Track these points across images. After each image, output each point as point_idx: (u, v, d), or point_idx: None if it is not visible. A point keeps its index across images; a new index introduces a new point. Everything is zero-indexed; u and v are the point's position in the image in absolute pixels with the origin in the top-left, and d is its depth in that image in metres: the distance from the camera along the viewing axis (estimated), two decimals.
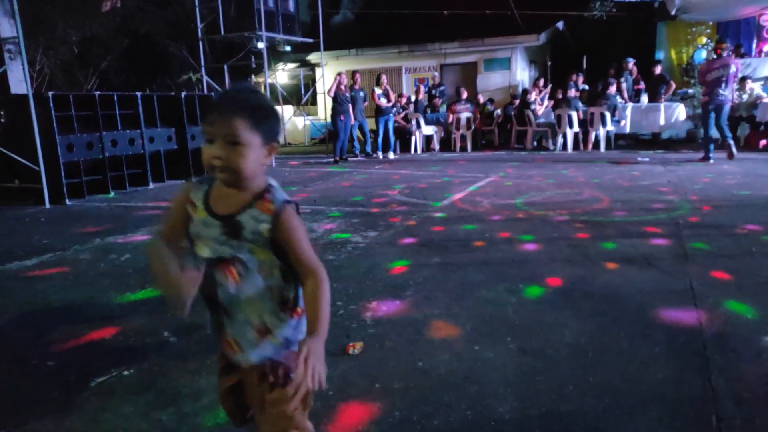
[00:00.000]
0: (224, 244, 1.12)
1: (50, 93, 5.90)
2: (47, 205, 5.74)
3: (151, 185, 7.12)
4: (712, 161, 8.03)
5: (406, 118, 11.70)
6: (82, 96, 6.53)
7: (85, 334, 2.40)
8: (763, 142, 9.74)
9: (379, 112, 10.67)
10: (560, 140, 10.94)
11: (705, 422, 1.60)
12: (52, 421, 1.71)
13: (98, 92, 6.66)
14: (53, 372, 2.06)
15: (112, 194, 6.49)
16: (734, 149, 8.13)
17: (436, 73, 13.00)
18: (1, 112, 6.07)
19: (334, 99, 9.98)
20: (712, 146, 8.10)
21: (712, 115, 7.97)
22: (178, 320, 2.51)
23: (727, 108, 7.99)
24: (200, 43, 10.65)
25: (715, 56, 8.19)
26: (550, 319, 2.40)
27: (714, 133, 8.22)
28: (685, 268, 3.09)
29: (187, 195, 1.17)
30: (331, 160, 10.11)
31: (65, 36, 11.63)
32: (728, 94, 7.86)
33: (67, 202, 5.90)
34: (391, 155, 10.84)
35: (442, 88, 12.43)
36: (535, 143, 11.67)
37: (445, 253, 3.53)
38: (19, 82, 6.55)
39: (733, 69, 7.74)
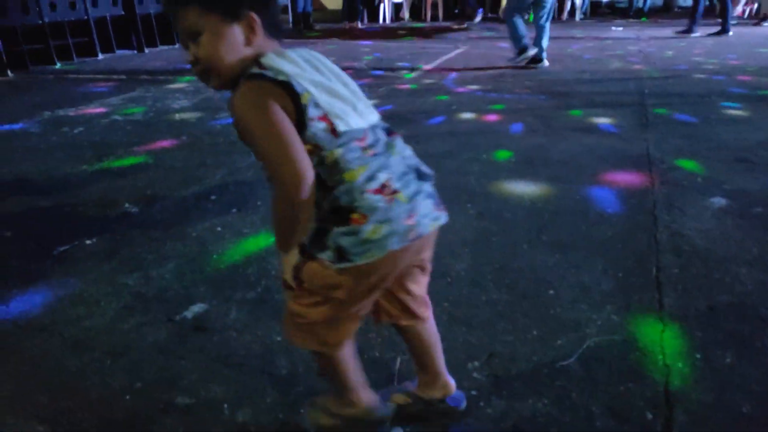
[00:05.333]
0: None
1: None
2: None
3: (100, 56, 6.64)
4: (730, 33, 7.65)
5: None
6: None
7: (42, 206, 2.36)
8: (739, 11, 9.52)
9: None
10: None
11: (645, 272, 1.72)
12: (15, 287, 1.72)
13: None
14: (12, 242, 2.04)
15: (58, 65, 6.05)
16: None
17: None
18: None
19: None
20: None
21: None
22: (139, 191, 2.48)
23: None
24: None
25: None
26: (510, 185, 2.46)
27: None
28: (645, 134, 3.14)
29: None
30: (298, 31, 9.49)
31: None
32: None
33: (9, 73, 5.49)
34: (358, 24, 10.26)
35: None
36: None
37: (412, 124, 3.48)
38: None
39: None
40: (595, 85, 4.59)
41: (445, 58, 6.29)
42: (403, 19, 11.30)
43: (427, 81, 4.94)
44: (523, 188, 2.42)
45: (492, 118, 3.62)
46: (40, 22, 5.87)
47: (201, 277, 1.76)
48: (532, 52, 5.46)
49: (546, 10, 5.34)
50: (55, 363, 1.38)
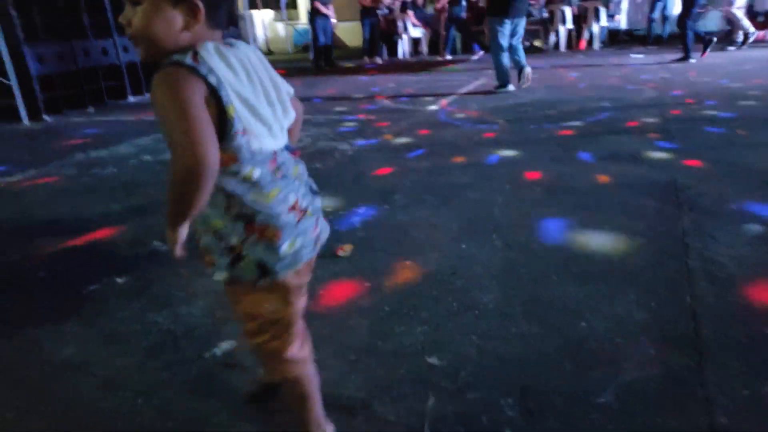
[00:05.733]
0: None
1: None
2: (25, 122, 5.57)
3: (131, 98, 6.89)
4: (692, 60, 7.71)
5: (393, 21, 11.14)
6: (46, 0, 6.10)
7: (73, 246, 2.42)
8: (760, 33, 9.45)
9: (364, 14, 10.14)
10: (552, 38, 10.56)
11: (679, 301, 1.67)
12: (49, 327, 1.75)
13: None
14: (44, 282, 2.09)
15: (90, 109, 6.29)
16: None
17: None
18: None
19: None
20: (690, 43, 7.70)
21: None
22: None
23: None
24: None
25: None
26: (536, 216, 2.44)
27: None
28: (671, 162, 3.10)
29: None
30: (319, 67, 9.71)
31: None
32: None
33: (45, 117, 5.72)
34: (378, 60, 10.48)
35: None
36: (527, 43, 11.27)
37: (433, 157, 3.50)
38: None
39: None
40: (618, 112, 4.58)
41: (464, 90, 6.36)
42: (421, 53, 11.51)
43: (446, 113, 4.99)
44: (550, 219, 2.39)
45: (514, 149, 3.62)
46: (75, 68, 6.14)
47: (229, 314, 1.77)
48: (511, 88, 5.97)
49: (520, 35, 5.91)
50: (88, 402, 1.39)
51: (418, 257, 2.09)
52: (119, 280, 2.05)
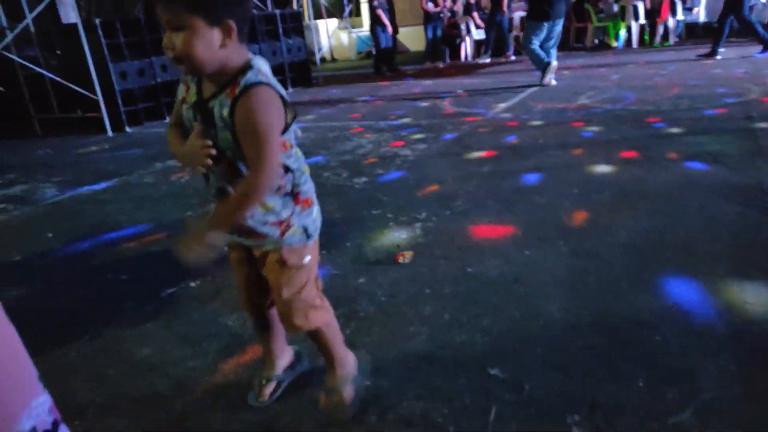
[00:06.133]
0: (206, 132, 1.07)
1: (97, 20, 5.95)
2: (109, 134, 5.98)
3: None
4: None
5: (455, 24, 11.03)
6: (128, 21, 6.53)
7: (153, 250, 2.56)
8: None
9: (427, 19, 10.11)
10: (624, 34, 10.11)
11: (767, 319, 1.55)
12: (129, 327, 1.87)
13: (143, 16, 6.63)
14: (126, 285, 2.23)
15: (168, 119, 6.66)
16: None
17: None
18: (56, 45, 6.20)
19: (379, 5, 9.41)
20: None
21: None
22: None
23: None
24: None
25: None
26: (605, 221, 2.34)
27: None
28: (756, 162, 2.89)
29: (184, 80, 1.15)
30: (380, 73, 9.78)
31: None
32: None
33: (127, 129, 6.11)
34: (440, 64, 10.43)
35: None
36: (597, 41, 10.85)
37: (497, 161, 3.44)
38: (68, 12, 6.62)
39: None
40: (695, 111, 4.31)
41: (528, 92, 6.21)
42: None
43: (510, 116, 4.89)
44: (620, 224, 2.29)
45: (581, 149, 3.49)
46: (154, 83, 6.53)
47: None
48: (555, 62, 6.28)
49: (554, 41, 6.32)
50: (162, 402, 1.47)
51: (479, 264, 2.06)
52: (193, 284, 2.15)
